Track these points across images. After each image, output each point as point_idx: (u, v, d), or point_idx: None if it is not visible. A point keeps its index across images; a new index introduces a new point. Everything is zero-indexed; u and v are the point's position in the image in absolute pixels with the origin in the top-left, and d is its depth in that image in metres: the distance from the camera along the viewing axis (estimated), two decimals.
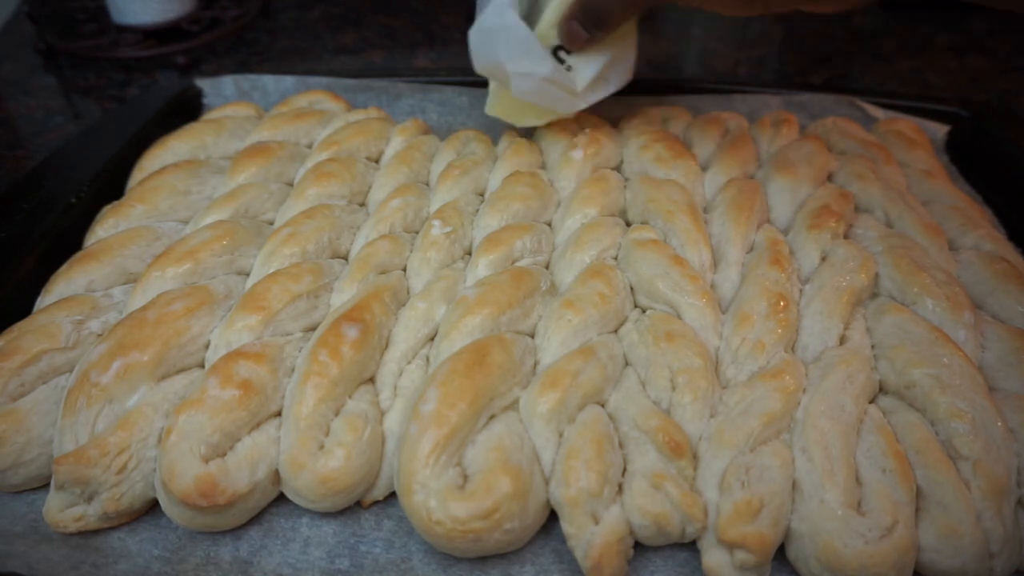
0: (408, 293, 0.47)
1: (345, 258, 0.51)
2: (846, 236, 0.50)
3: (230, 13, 0.95)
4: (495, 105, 0.59)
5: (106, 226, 0.52)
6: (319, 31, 0.96)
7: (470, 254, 0.50)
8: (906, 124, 0.64)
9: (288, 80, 0.71)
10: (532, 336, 0.44)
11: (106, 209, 0.54)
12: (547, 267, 0.49)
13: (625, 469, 0.37)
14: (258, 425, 0.40)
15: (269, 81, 0.71)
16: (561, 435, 0.38)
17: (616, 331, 0.44)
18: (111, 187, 0.58)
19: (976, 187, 0.60)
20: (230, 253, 0.48)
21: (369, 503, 0.40)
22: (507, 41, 0.51)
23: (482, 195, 0.56)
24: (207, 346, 0.43)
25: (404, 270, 0.49)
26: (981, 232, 0.51)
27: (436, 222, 0.50)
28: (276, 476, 0.39)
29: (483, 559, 0.37)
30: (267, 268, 0.47)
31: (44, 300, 0.47)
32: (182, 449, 0.37)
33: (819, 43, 0.93)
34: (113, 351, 0.40)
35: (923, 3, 0.99)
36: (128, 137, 0.62)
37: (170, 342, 0.41)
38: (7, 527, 0.39)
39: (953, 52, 0.89)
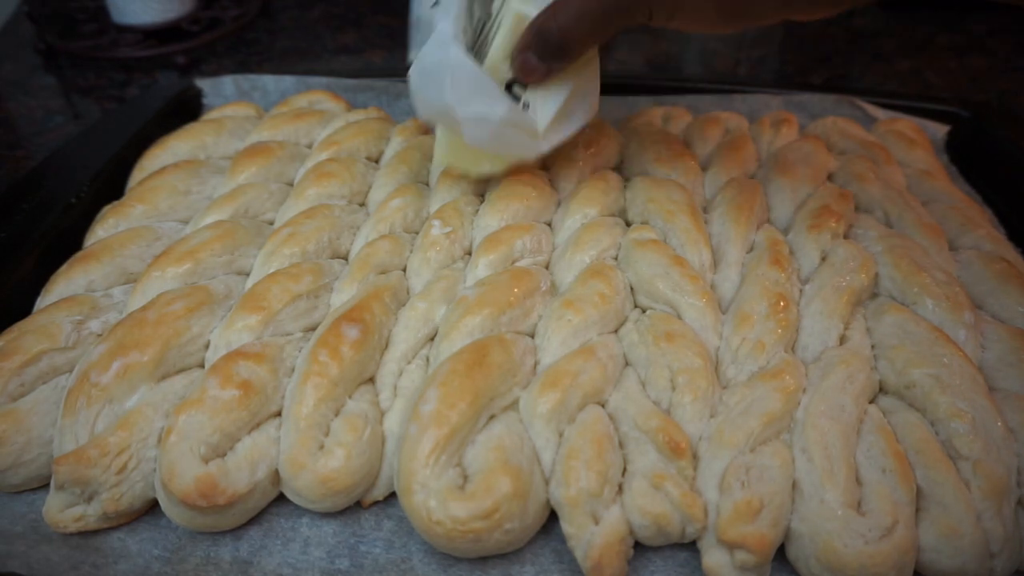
0: (408, 293, 0.47)
1: (345, 258, 0.51)
2: (846, 236, 0.50)
3: (230, 13, 0.95)
4: (445, 155, 0.52)
5: (106, 226, 0.52)
6: (319, 31, 0.96)
7: (470, 254, 0.50)
8: (906, 124, 0.64)
9: (288, 80, 0.71)
10: (532, 336, 0.44)
11: (106, 209, 0.54)
12: (547, 267, 0.49)
13: (625, 469, 0.37)
14: (258, 425, 0.40)
15: (269, 81, 0.71)
16: (561, 435, 0.38)
17: (616, 331, 0.44)
18: (111, 187, 0.58)
19: (976, 187, 0.60)
20: (230, 253, 0.48)
21: (369, 503, 0.40)
22: (454, 81, 0.43)
23: (482, 195, 0.55)
24: (207, 346, 0.43)
25: (404, 270, 0.49)
26: (981, 232, 0.50)
27: (436, 222, 0.50)
28: (276, 476, 0.39)
29: (483, 559, 0.37)
30: (267, 268, 0.47)
31: (44, 300, 0.47)
32: (182, 449, 0.37)
33: (819, 43, 0.93)
34: (113, 351, 0.40)
35: (923, 3, 0.99)
36: (128, 137, 0.62)
37: (170, 342, 0.41)
38: (7, 527, 0.39)
39: (953, 52, 0.89)
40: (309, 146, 0.62)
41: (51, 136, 0.75)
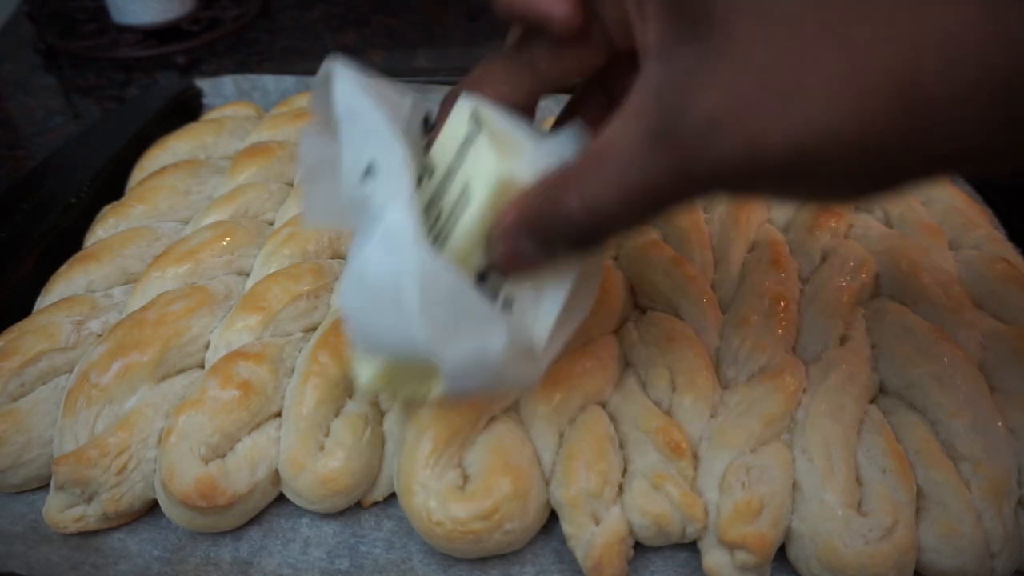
0: None
1: (345, 258, 0.51)
2: (846, 236, 0.50)
3: (230, 13, 0.95)
4: (375, 377, 0.32)
5: (106, 226, 0.52)
6: (319, 31, 0.96)
7: None
8: None
9: (288, 80, 0.71)
10: None
11: (106, 209, 0.54)
12: None
13: (625, 470, 0.38)
14: (258, 426, 0.40)
15: (269, 81, 0.71)
16: (561, 436, 0.38)
17: (616, 331, 0.44)
18: (111, 187, 0.58)
19: (976, 187, 0.59)
20: (230, 253, 0.48)
21: (369, 504, 0.40)
22: (427, 305, 0.25)
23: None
24: (207, 346, 0.43)
25: None
26: (981, 232, 0.50)
27: None
28: (276, 477, 0.39)
29: (483, 560, 0.37)
30: (267, 268, 0.47)
31: (44, 300, 0.47)
32: (182, 450, 0.37)
33: None
34: (113, 351, 0.40)
35: None
36: (128, 137, 0.62)
37: (170, 342, 0.41)
38: (7, 527, 0.39)
39: None
40: None
41: (51, 136, 0.75)
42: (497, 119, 0.30)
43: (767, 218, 0.53)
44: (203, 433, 0.37)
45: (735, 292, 0.46)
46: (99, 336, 0.44)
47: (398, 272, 0.25)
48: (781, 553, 0.36)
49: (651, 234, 0.49)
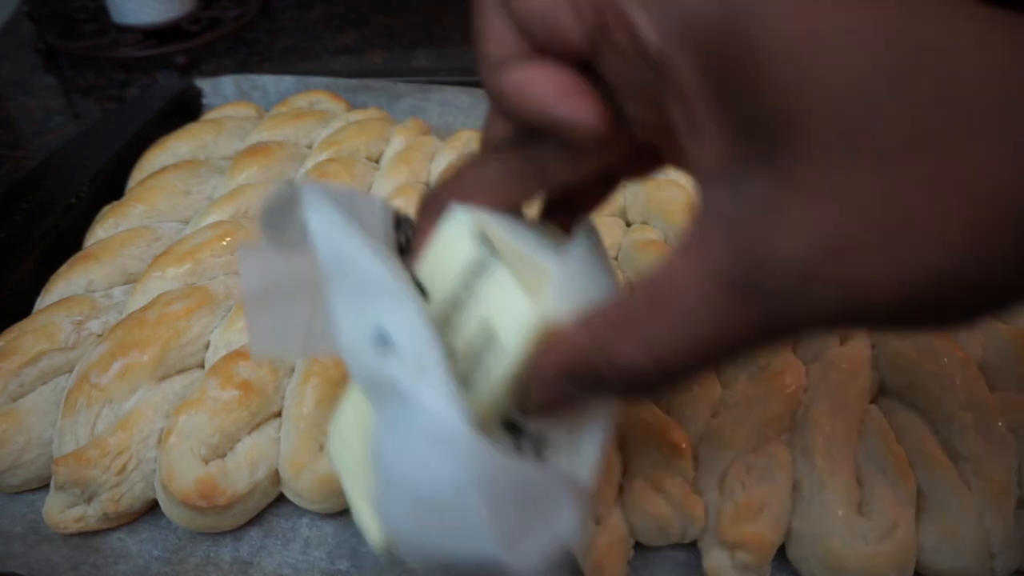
0: None
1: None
2: None
3: (230, 13, 0.95)
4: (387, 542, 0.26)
5: (106, 226, 0.52)
6: (319, 31, 0.96)
7: None
8: None
9: (288, 80, 0.71)
10: None
11: (106, 209, 0.54)
12: None
13: (625, 470, 0.37)
14: (258, 426, 0.40)
15: (269, 81, 0.71)
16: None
17: None
18: (111, 187, 0.58)
19: None
20: (230, 253, 0.48)
21: None
22: (486, 510, 0.20)
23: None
24: (207, 346, 0.43)
25: None
26: None
27: None
28: (276, 477, 0.39)
29: None
30: None
31: (44, 300, 0.47)
32: (182, 450, 0.37)
33: None
34: (113, 351, 0.40)
35: None
36: (128, 137, 0.62)
37: (170, 342, 0.41)
38: (7, 527, 0.39)
39: None
40: (309, 146, 0.62)
41: (51, 136, 0.75)
42: (503, 234, 0.25)
43: None
44: (203, 433, 0.37)
45: None
46: (99, 336, 0.44)
47: (456, 479, 0.20)
48: (781, 553, 0.36)
49: (651, 233, 0.49)
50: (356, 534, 0.39)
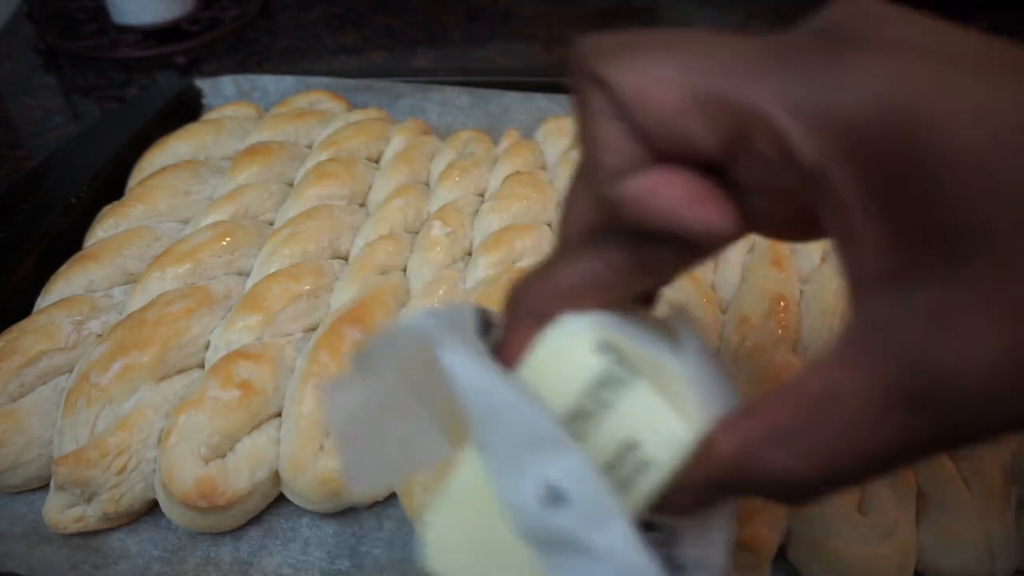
0: (409, 293, 0.47)
1: (345, 258, 0.51)
2: None
3: (230, 13, 0.95)
4: None
5: (106, 226, 0.52)
6: (319, 31, 0.96)
7: (470, 254, 0.50)
8: None
9: (288, 80, 0.71)
10: None
11: (106, 209, 0.54)
12: None
13: None
14: (258, 426, 0.40)
15: (269, 81, 0.71)
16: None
17: None
18: (111, 187, 0.58)
19: None
20: (230, 253, 0.48)
21: (369, 504, 0.40)
22: None
23: (482, 195, 0.55)
24: (207, 346, 0.43)
25: (404, 270, 0.49)
26: None
27: (436, 222, 0.50)
28: (276, 477, 0.39)
29: None
30: (267, 268, 0.47)
31: (44, 300, 0.47)
32: (182, 450, 0.37)
33: None
34: (113, 352, 0.40)
35: (923, 3, 0.99)
36: (128, 137, 0.62)
37: (170, 343, 0.41)
38: (7, 528, 0.39)
39: None
40: (309, 146, 0.62)
41: (51, 136, 0.75)
42: (624, 339, 0.24)
43: None
44: (203, 433, 0.37)
45: (735, 292, 0.46)
46: (99, 336, 0.44)
47: None
48: (781, 553, 0.36)
49: None
50: (356, 534, 0.39)
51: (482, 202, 0.54)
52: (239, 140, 0.61)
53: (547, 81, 0.70)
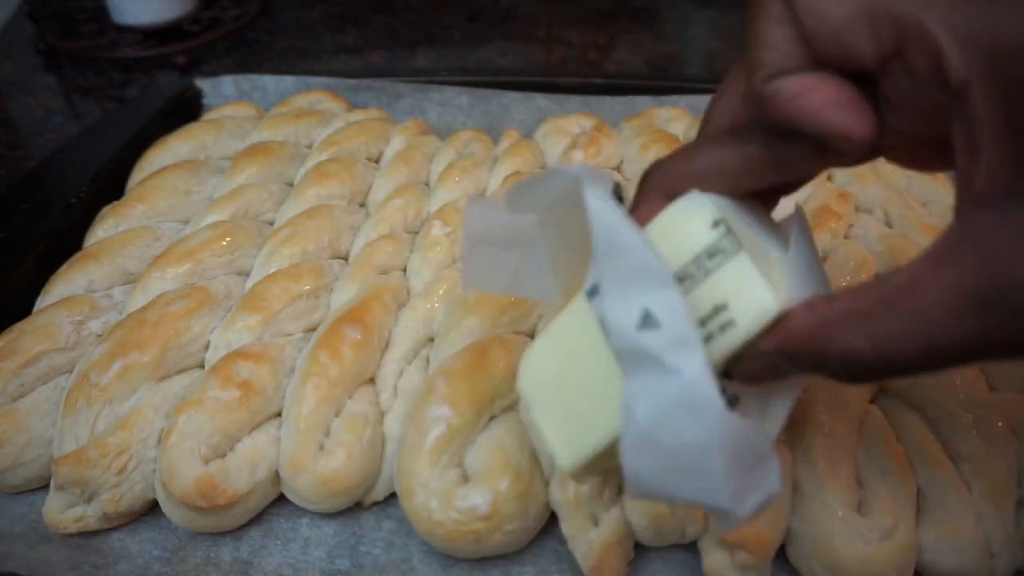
0: (408, 293, 0.47)
1: (345, 258, 0.51)
2: (846, 236, 0.50)
3: (230, 13, 0.95)
4: (581, 465, 0.30)
5: (106, 226, 0.52)
6: (319, 31, 0.96)
7: None
8: None
9: (288, 80, 0.71)
10: (532, 337, 0.44)
11: (106, 209, 0.54)
12: None
13: None
14: (258, 426, 0.40)
15: (269, 81, 0.71)
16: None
17: None
18: (111, 187, 0.58)
19: None
20: (230, 253, 0.48)
21: (369, 504, 0.40)
22: (725, 469, 0.24)
23: (483, 195, 0.55)
24: (207, 346, 0.43)
25: (404, 270, 0.49)
26: None
27: (437, 222, 0.50)
28: (276, 477, 0.39)
29: (483, 560, 0.37)
30: (267, 268, 0.47)
31: (44, 300, 0.47)
32: (182, 450, 0.37)
33: None
34: (113, 352, 0.40)
35: None
36: (128, 137, 0.62)
37: (170, 343, 0.41)
38: (7, 528, 0.39)
39: None
40: (309, 146, 0.62)
41: (51, 136, 0.75)
42: (741, 223, 0.27)
43: None
44: (203, 433, 0.37)
45: None
46: (99, 336, 0.44)
47: (702, 440, 0.24)
48: (781, 553, 0.36)
49: None
50: (356, 534, 0.39)
51: None
52: (239, 140, 0.61)
53: (547, 81, 0.70)
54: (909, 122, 0.24)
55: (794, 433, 0.38)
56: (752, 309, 0.26)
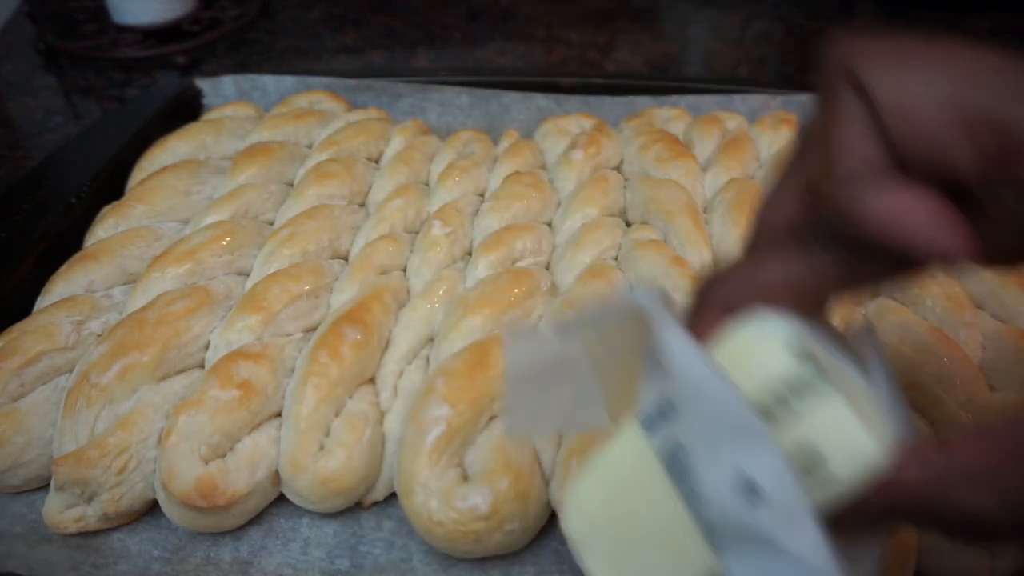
0: (408, 293, 0.47)
1: (345, 258, 0.51)
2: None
3: (230, 13, 0.95)
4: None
5: (106, 226, 0.52)
6: (319, 31, 0.96)
7: (470, 254, 0.50)
8: None
9: (288, 80, 0.71)
10: None
11: (106, 209, 0.54)
12: (547, 267, 0.49)
13: None
14: (258, 426, 0.40)
15: (269, 81, 0.71)
16: (561, 436, 0.38)
17: None
18: (111, 187, 0.58)
19: None
20: (230, 253, 0.48)
21: (369, 504, 0.40)
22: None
23: (482, 195, 0.56)
24: (207, 346, 0.43)
25: (404, 270, 0.49)
26: None
27: (436, 222, 0.50)
28: (276, 477, 0.39)
29: (483, 560, 0.37)
30: (267, 268, 0.47)
31: (44, 300, 0.47)
32: (182, 450, 0.37)
33: (819, 43, 0.93)
34: (113, 352, 0.40)
35: (923, 3, 0.99)
36: (128, 137, 0.62)
37: (170, 343, 0.41)
38: (7, 528, 0.39)
39: None
40: (309, 146, 0.62)
41: (51, 136, 0.75)
42: (818, 348, 0.24)
43: None
44: (203, 433, 0.37)
45: None
46: (99, 336, 0.44)
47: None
48: None
49: (651, 233, 0.49)
50: (356, 534, 0.39)
51: (482, 202, 0.54)
52: (239, 140, 0.61)
53: (547, 81, 0.70)
54: (1009, 233, 0.21)
55: None
56: (853, 461, 0.22)
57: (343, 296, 0.46)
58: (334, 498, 0.38)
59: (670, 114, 0.64)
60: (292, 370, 0.42)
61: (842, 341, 0.26)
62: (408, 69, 0.86)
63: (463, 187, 0.54)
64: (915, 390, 0.40)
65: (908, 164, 0.21)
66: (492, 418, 0.39)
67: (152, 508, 0.39)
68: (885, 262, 0.22)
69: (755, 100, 0.68)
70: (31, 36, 0.92)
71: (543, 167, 0.59)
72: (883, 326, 0.43)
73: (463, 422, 0.37)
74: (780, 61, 0.90)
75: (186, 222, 0.53)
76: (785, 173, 0.25)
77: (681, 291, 0.44)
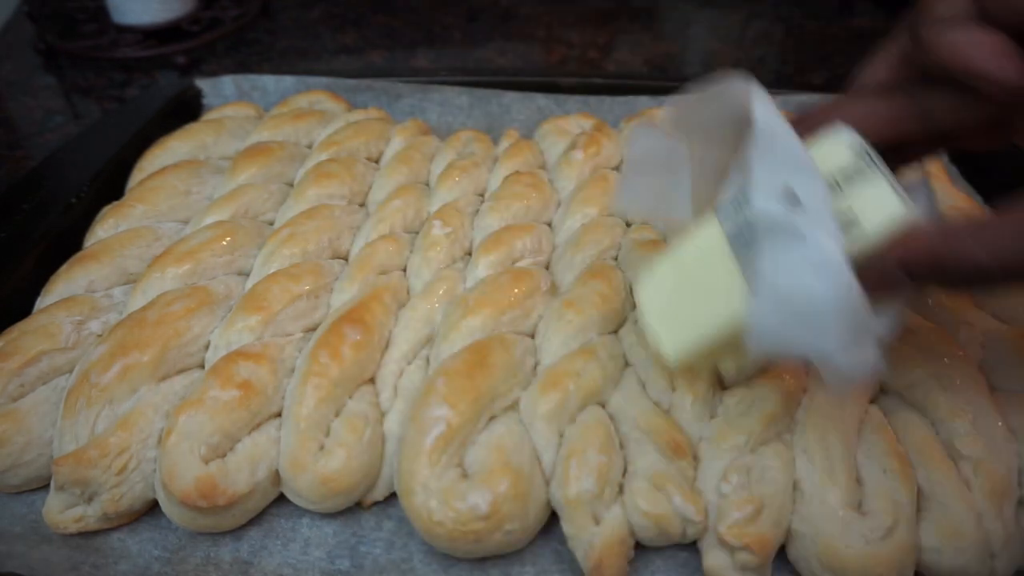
0: (408, 293, 0.47)
1: (345, 258, 0.51)
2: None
3: (230, 13, 0.95)
4: (686, 352, 0.35)
5: (106, 226, 0.52)
6: (319, 31, 0.96)
7: (470, 254, 0.50)
8: None
9: (288, 80, 0.71)
10: (532, 336, 0.44)
11: (106, 209, 0.54)
12: (547, 267, 0.49)
13: (625, 470, 0.37)
14: (258, 426, 0.40)
15: (269, 81, 0.71)
16: (561, 435, 0.38)
17: (616, 331, 0.44)
18: (111, 187, 0.58)
19: (976, 187, 0.60)
20: (230, 253, 0.48)
21: (369, 504, 0.40)
22: (839, 324, 0.29)
23: (482, 195, 0.55)
24: (207, 346, 0.43)
25: (404, 270, 0.49)
26: None
27: (436, 222, 0.50)
28: (276, 477, 0.39)
29: (483, 560, 0.37)
30: (267, 268, 0.47)
31: (44, 300, 0.47)
32: (182, 450, 0.37)
33: (819, 43, 0.93)
34: (113, 352, 0.40)
35: None
36: (128, 137, 0.62)
37: (170, 343, 0.41)
38: (7, 528, 0.39)
39: None
40: (309, 146, 0.62)
41: (51, 136, 0.75)
42: (878, 159, 0.31)
43: None
44: (203, 433, 0.37)
45: None
46: (99, 336, 0.44)
47: (828, 297, 0.28)
48: (781, 553, 0.36)
49: (650, 233, 0.49)
50: (356, 534, 0.39)
51: (482, 202, 0.54)
52: (239, 140, 0.61)
53: (547, 81, 0.70)
54: None
55: (794, 433, 0.38)
56: (881, 214, 0.29)
57: (343, 296, 0.46)
58: (334, 498, 0.38)
59: None
60: (292, 370, 0.42)
61: (899, 183, 0.31)
62: (408, 69, 0.86)
63: (463, 187, 0.54)
64: (915, 390, 0.40)
65: (990, 16, 0.27)
66: (492, 418, 0.39)
67: (152, 508, 0.39)
68: (951, 97, 0.29)
69: None
70: (31, 36, 0.92)
71: (543, 167, 0.59)
72: None
73: (463, 422, 0.37)
74: (780, 61, 0.90)
75: (186, 222, 0.53)
76: (892, 37, 0.33)
77: None
